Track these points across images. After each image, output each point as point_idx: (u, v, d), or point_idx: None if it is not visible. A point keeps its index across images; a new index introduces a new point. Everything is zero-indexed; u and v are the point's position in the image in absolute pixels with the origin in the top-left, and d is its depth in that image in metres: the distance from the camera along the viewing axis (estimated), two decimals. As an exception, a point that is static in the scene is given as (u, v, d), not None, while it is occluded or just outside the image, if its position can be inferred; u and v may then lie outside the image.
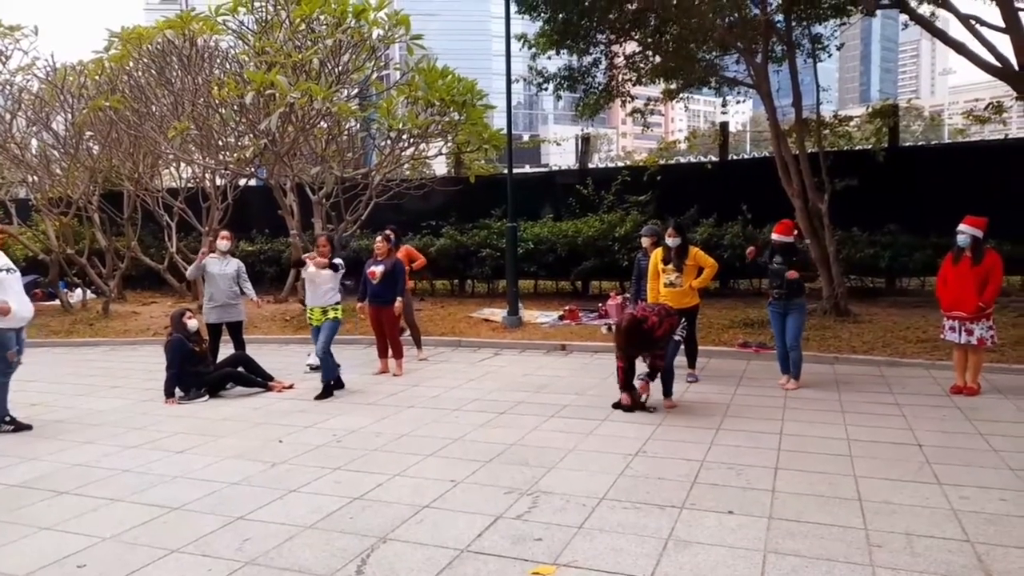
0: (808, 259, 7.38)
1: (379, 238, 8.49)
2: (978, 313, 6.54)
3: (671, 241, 7.31)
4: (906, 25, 11.03)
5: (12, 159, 14.23)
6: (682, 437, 5.57)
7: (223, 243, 8.47)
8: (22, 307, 6.41)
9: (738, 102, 13.29)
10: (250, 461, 5.29)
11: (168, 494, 4.64)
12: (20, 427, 6.42)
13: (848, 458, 4.97)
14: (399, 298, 8.28)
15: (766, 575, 3.35)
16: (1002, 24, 8.77)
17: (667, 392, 6.54)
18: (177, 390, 7.44)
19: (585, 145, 15.67)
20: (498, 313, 11.61)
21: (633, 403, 6.36)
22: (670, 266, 7.27)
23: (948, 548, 3.57)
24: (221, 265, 8.30)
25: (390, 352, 8.44)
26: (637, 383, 6.42)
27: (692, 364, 7.68)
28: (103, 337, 11.84)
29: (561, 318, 11.29)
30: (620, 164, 16.89)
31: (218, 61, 12.18)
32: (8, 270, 6.40)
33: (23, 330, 6.58)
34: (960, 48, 9.31)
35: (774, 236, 7.20)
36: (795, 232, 7.24)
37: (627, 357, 6.35)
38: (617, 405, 6.45)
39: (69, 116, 13.65)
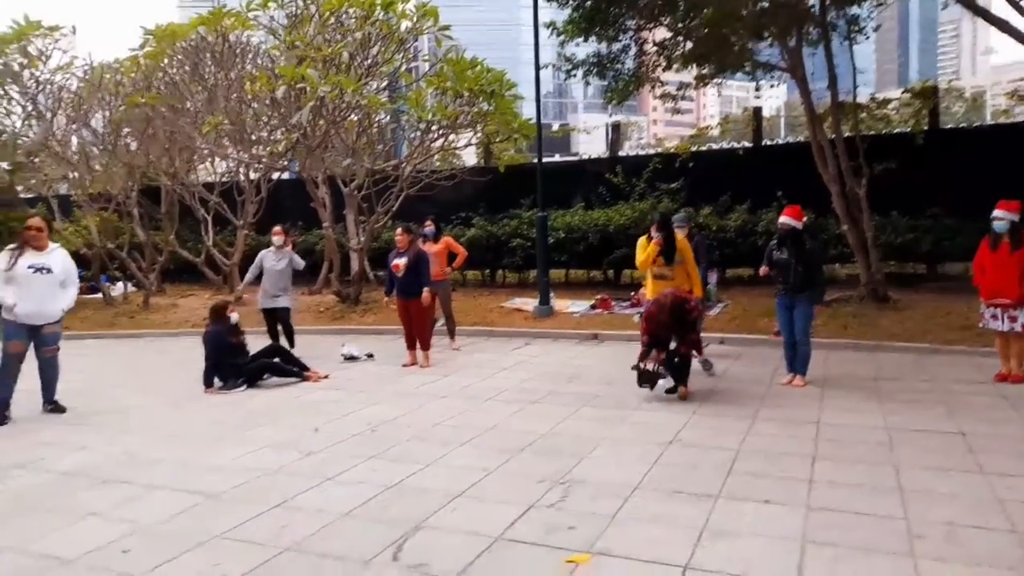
0: (817, 252, 6.69)
1: (399, 230, 8.51)
2: (1021, 299, 6.34)
3: (656, 236, 7.07)
4: (946, 4, 10.72)
5: (53, 156, 14.61)
6: (717, 426, 5.51)
7: (276, 239, 9.09)
8: (38, 307, 6.51)
9: (772, 86, 13.10)
10: (287, 450, 5.37)
11: (207, 482, 4.73)
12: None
13: (888, 447, 4.87)
14: (426, 288, 8.29)
15: (804, 565, 3.30)
16: (1049, -1, 8.46)
17: (683, 380, 6.44)
18: (216, 380, 7.59)
19: (615, 133, 15.53)
20: (529, 303, 11.60)
21: (652, 371, 6.30)
22: (660, 258, 7.08)
23: (993, 539, 3.48)
24: (275, 260, 8.98)
25: (418, 344, 8.45)
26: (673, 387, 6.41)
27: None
28: (144, 329, 12.11)
29: (593, 307, 11.24)
30: (651, 151, 16.70)
31: (250, 56, 12.33)
32: (40, 269, 6.56)
33: (41, 328, 6.61)
34: (1003, 25, 9.00)
35: (781, 219, 6.74)
36: (803, 219, 6.69)
37: (658, 335, 6.32)
38: (642, 377, 6.34)
39: (107, 113, 13.96)
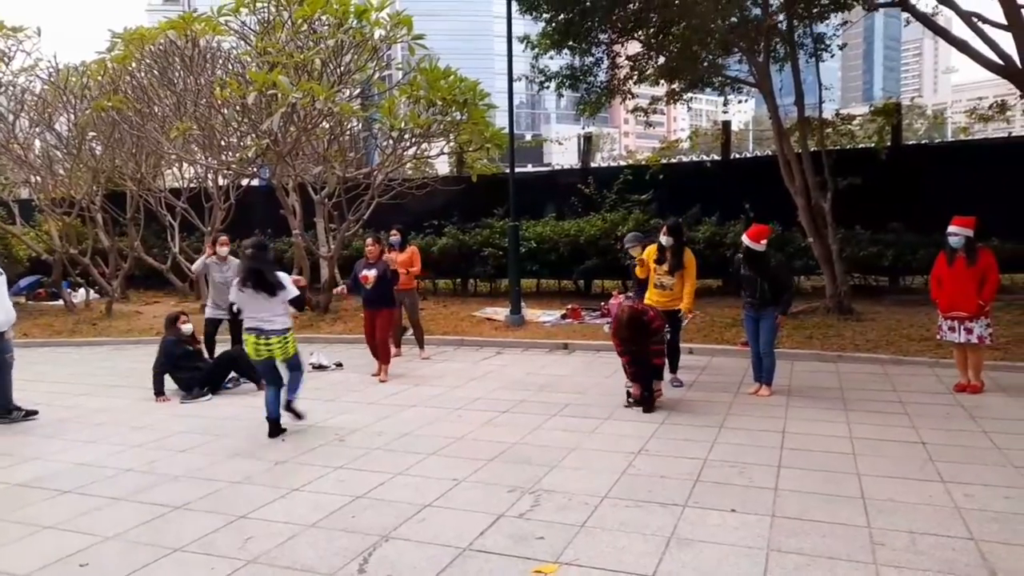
0: (782, 268, 6.68)
1: (370, 240, 8.33)
2: (979, 312, 6.51)
3: (664, 239, 7.11)
4: (908, 22, 11.01)
5: (15, 160, 14.28)
6: (685, 436, 5.56)
7: (223, 249, 8.63)
8: (4, 312, 6.52)
9: (740, 101, 13.29)
10: (252, 460, 5.29)
11: (171, 493, 4.64)
12: (30, 413, 6.72)
13: (851, 456, 4.96)
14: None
15: (769, 573, 3.34)
16: (1004, 21, 8.74)
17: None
18: (179, 390, 7.47)
19: (587, 144, 15.66)
20: (500, 312, 11.61)
21: (644, 396, 6.34)
22: (664, 267, 7.14)
23: (952, 546, 3.55)
24: (222, 271, 8.49)
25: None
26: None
27: (674, 369, 7.36)
28: (106, 337, 11.85)
29: (563, 317, 11.28)
30: (622, 163, 16.88)
31: (220, 62, 12.19)
32: None
33: (3, 335, 6.62)
34: (962, 46, 9.29)
35: (743, 239, 6.80)
36: (764, 240, 6.66)
37: (630, 351, 6.37)
38: (633, 402, 6.42)
39: (72, 117, 13.69)
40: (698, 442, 5.37)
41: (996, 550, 3.50)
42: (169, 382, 7.54)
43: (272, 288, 5.75)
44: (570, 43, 11.40)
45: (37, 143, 15.01)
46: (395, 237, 9.37)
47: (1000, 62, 8.97)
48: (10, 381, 6.70)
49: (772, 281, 6.69)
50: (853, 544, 3.60)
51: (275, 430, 5.89)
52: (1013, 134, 13.28)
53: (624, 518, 4.01)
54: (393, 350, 9.22)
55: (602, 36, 11.74)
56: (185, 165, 15.04)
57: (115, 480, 4.96)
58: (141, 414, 6.90)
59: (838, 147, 12.39)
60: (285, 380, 6.12)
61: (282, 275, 5.96)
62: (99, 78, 13.07)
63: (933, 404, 6.29)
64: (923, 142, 17.42)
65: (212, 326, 8.61)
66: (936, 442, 5.21)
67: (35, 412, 6.78)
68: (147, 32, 11.66)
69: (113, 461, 5.39)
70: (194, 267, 8.77)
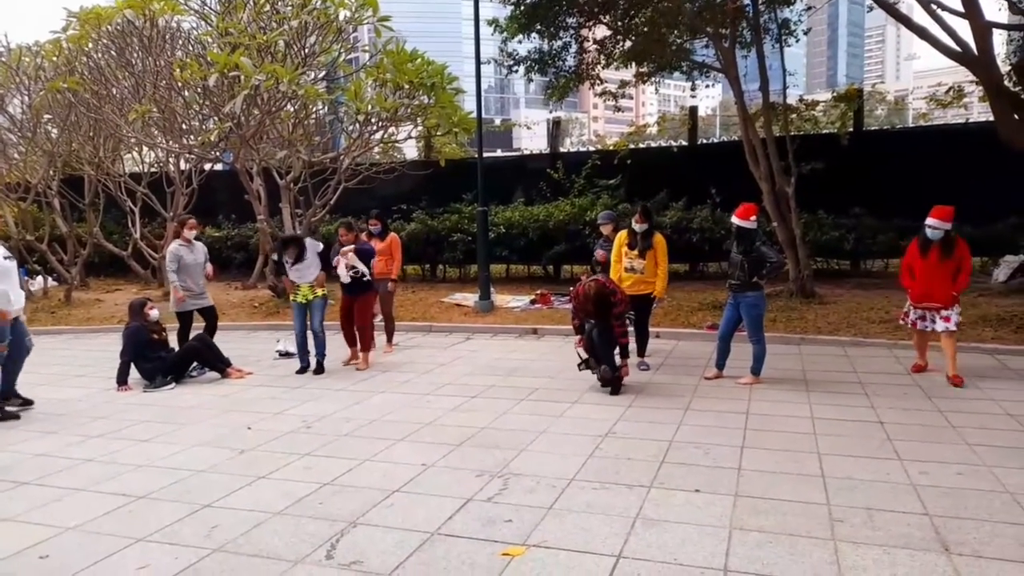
0: (765, 253, 6.54)
1: (342, 229, 8.11)
2: (952, 302, 6.46)
3: (638, 227, 7.24)
4: (871, 8, 11.15)
5: (-34, 143, 13.80)
6: (651, 418, 5.63)
7: (191, 232, 8.25)
8: (19, 297, 6.47)
9: (707, 86, 13.39)
10: (218, 448, 5.23)
11: (133, 483, 4.57)
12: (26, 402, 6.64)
13: (812, 436, 5.07)
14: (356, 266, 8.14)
15: (732, 551, 3.41)
16: (962, 9, 8.90)
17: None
18: (142, 379, 7.34)
19: (556, 129, 15.66)
20: (470, 298, 11.59)
21: (612, 376, 6.38)
22: (634, 251, 7.25)
23: (907, 521, 3.66)
24: (192, 254, 8.18)
25: (358, 343, 8.13)
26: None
27: (642, 352, 7.48)
28: (65, 325, 11.59)
29: (533, 302, 11.31)
30: (591, 148, 16.92)
31: (180, 42, 11.90)
32: (7, 257, 6.42)
33: (17, 318, 6.59)
34: (923, 33, 9.43)
35: (732, 219, 6.70)
36: (752, 217, 6.59)
37: (584, 327, 6.56)
38: (606, 383, 6.45)
39: (26, 99, 13.27)
40: (664, 424, 5.44)
41: (949, 524, 3.61)
42: (131, 372, 7.41)
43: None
44: (538, 27, 11.34)
45: (-11, 126, 14.53)
46: (375, 227, 9.09)
47: (958, 49, 9.13)
48: (20, 368, 6.69)
49: (755, 261, 6.52)
50: (813, 521, 3.69)
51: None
52: (971, 120, 13.56)
53: (591, 500, 4.05)
54: (385, 347, 8.92)
55: (570, 20, 11.69)
56: (145, 149, 14.70)
57: (76, 470, 4.87)
58: (102, 403, 6.77)
59: (802, 132, 12.57)
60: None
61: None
62: (54, 59, 12.69)
63: (891, 384, 6.46)
64: (884, 128, 17.73)
65: (188, 321, 8.13)
66: (894, 421, 5.35)
67: (31, 402, 6.75)
68: (104, 11, 11.33)
69: (74, 451, 5.29)
70: (168, 263, 8.23)
